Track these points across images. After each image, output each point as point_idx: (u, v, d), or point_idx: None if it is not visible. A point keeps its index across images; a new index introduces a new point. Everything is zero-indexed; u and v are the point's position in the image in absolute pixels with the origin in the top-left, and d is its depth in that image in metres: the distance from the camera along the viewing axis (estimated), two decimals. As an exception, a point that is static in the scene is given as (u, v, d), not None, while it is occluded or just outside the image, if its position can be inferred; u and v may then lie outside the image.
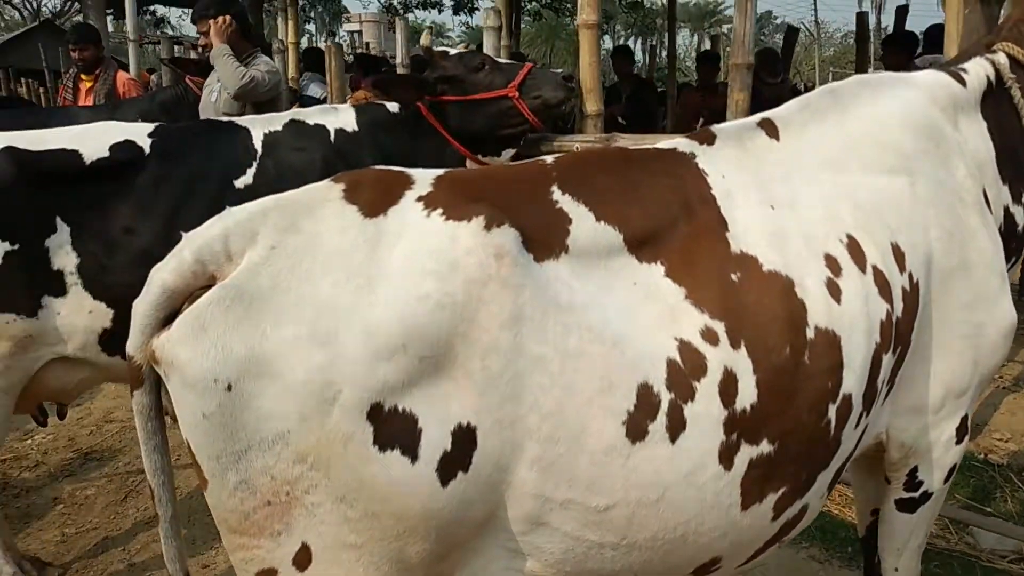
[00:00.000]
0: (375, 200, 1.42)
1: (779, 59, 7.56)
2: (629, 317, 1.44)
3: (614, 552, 1.46)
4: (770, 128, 1.80)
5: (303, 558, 1.36)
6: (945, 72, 2.04)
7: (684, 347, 1.45)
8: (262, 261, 1.34)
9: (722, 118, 7.51)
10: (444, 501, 1.34)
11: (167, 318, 1.37)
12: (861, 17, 8.07)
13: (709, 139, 1.76)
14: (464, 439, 1.34)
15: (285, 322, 1.30)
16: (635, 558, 1.48)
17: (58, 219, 2.46)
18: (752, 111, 6.18)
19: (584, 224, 1.49)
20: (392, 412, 1.31)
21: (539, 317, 1.36)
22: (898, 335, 1.70)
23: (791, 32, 8.93)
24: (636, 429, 1.40)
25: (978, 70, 2.04)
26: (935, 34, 6.93)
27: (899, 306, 1.70)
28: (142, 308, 1.38)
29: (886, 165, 1.81)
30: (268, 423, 1.30)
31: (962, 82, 2.01)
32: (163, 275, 1.38)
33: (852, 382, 1.59)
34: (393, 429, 1.31)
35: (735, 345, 1.48)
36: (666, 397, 1.42)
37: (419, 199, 1.43)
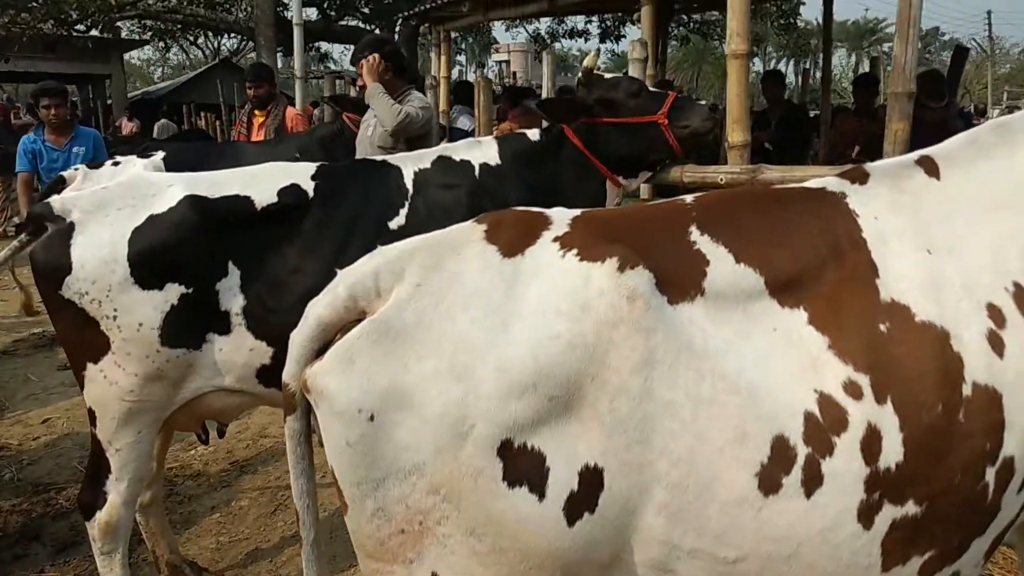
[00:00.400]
0: (514, 240, 1.47)
1: (944, 81, 7.08)
2: (767, 365, 1.39)
3: None
4: (930, 166, 1.70)
5: None
6: None
7: (824, 400, 1.39)
8: (408, 298, 1.41)
9: (880, 144, 7.13)
10: (570, 541, 1.35)
11: (320, 350, 1.47)
12: (1043, 34, 7.43)
13: (861, 178, 1.68)
14: (591, 480, 1.34)
15: (426, 356, 1.36)
16: None
17: (230, 263, 2.59)
18: (914, 137, 5.85)
19: (723, 266, 1.47)
20: (521, 449, 1.33)
21: (671, 361, 1.35)
22: None
23: (960, 52, 8.35)
24: (769, 482, 1.35)
25: None
26: None
27: None
28: (298, 339, 1.49)
29: None
30: (405, 454, 1.36)
31: None
32: (318, 309, 1.48)
33: (1015, 443, 1.46)
34: (522, 466, 1.33)
35: (880, 400, 1.40)
36: (803, 451, 1.36)
37: (556, 239, 1.46)
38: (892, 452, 1.39)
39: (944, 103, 6.91)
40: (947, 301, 1.49)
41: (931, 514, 1.42)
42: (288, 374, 1.51)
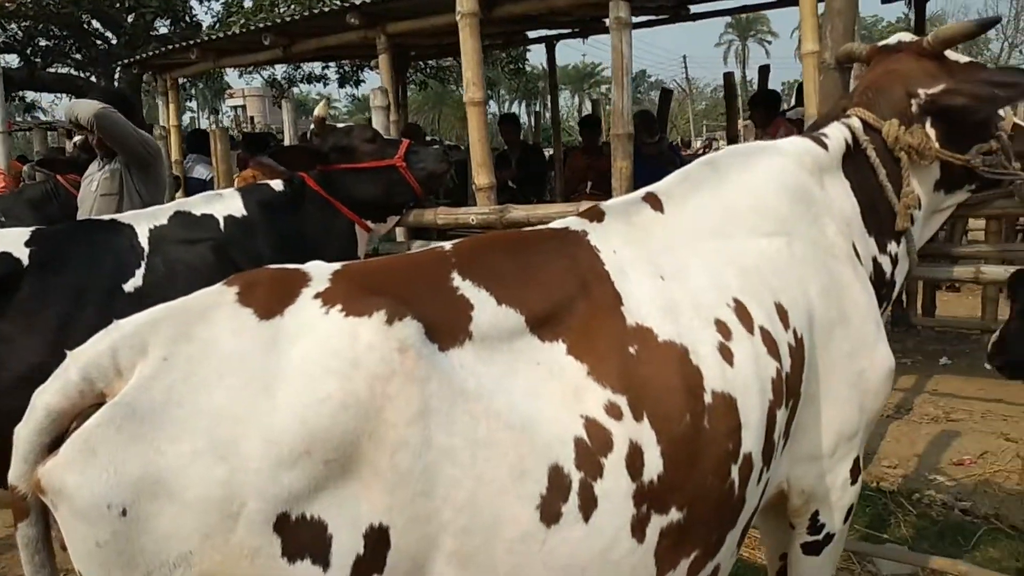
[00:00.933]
0: (271, 300, 1.40)
1: (655, 120, 7.97)
2: (535, 399, 1.45)
3: None
4: (654, 201, 1.89)
5: None
6: (809, 138, 2.20)
7: (590, 424, 1.47)
8: (154, 374, 1.29)
9: (608, 179, 7.80)
10: None
11: (53, 443, 1.29)
12: (728, 77, 8.63)
13: (599, 216, 1.82)
14: (377, 540, 1.31)
15: (182, 436, 1.25)
16: None
17: None
18: (637, 170, 6.48)
19: (486, 309, 1.51)
20: (300, 521, 1.27)
21: (447, 408, 1.36)
22: (788, 389, 1.79)
23: (665, 93, 9.45)
24: (550, 512, 1.40)
25: (837, 134, 2.21)
26: (806, 89, 7.53)
27: (787, 362, 1.79)
28: (25, 434, 1.30)
29: (764, 229, 1.92)
30: (168, 545, 1.23)
31: (824, 146, 2.16)
32: (47, 397, 1.31)
33: (751, 441, 1.65)
34: (302, 538, 1.26)
35: (638, 417, 1.51)
36: (576, 477, 1.43)
37: (316, 296, 1.41)
38: (653, 465, 1.50)
39: (657, 138, 7.77)
40: (682, 321, 1.66)
41: (691, 517, 1.55)
42: (16, 475, 1.31)
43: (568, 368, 1.51)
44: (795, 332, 1.84)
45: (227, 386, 1.29)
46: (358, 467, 1.31)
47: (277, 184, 3.38)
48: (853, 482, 2.08)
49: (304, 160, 3.52)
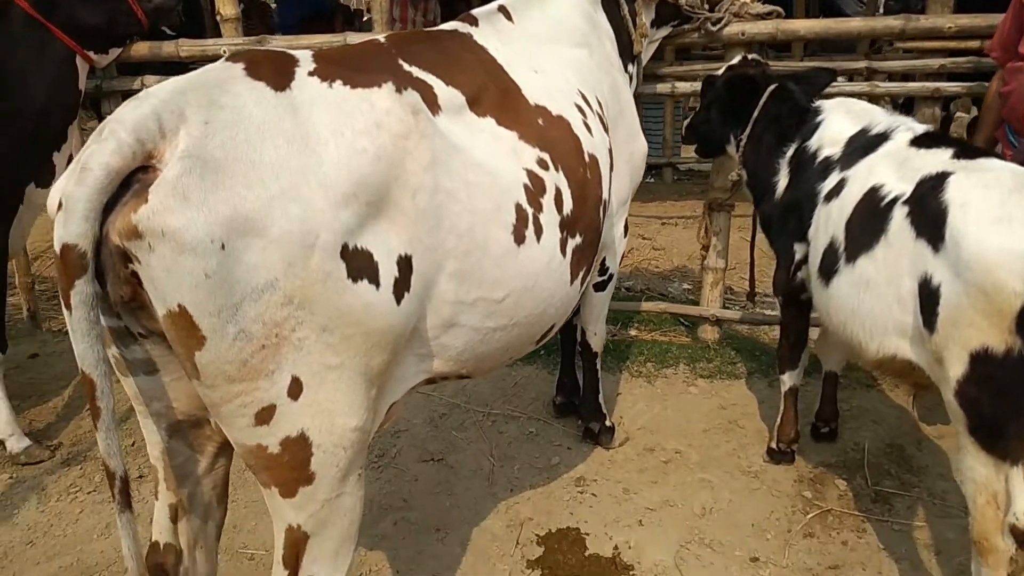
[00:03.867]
0: (276, 76, 1.61)
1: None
2: (493, 155, 1.89)
3: (502, 333, 1.95)
4: (506, 13, 2.36)
5: (295, 389, 1.57)
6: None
7: (530, 174, 1.97)
8: (203, 134, 1.45)
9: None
10: (399, 316, 1.68)
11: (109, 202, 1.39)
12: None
13: (473, 21, 2.24)
14: (405, 266, 1.68)
15: (254, 184, 1.46)
16: (514, 335, 1.99)
17: None
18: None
19: (440, 89, 1.88)
20: (355, 250, 1.58)
21: (447, 159, 1.74)
22: (613, 159, 2.45)
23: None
24: (519, 236, 1.89)
25: None
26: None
27: (610, 139, 2.44)
28: (84, 193, 1.36)
29: (576, 41, 2.51)
30: (258, 274, 1.46)
31: None
32: (104, 158, 1.38)
33: (606, 191, 2.30)
34: (359, 264, 1.59)
35: (557, 169, 2.04)
36: (530, 211, 1.93)
37: (311, 74, 1.65)
38: (567, 203, 2.06)
39: None
40: (560, 102, 2.19)
41: (585, 240, 2.16)
42: (76, 233, 1.36)
43: (504, 135, 1.97)
44: (607, 118, 2.49)
45: (273, 145, 1.51)
46: (388, 208, 1.64)
47: None
48: (625, 235, 2.87)
49: None
